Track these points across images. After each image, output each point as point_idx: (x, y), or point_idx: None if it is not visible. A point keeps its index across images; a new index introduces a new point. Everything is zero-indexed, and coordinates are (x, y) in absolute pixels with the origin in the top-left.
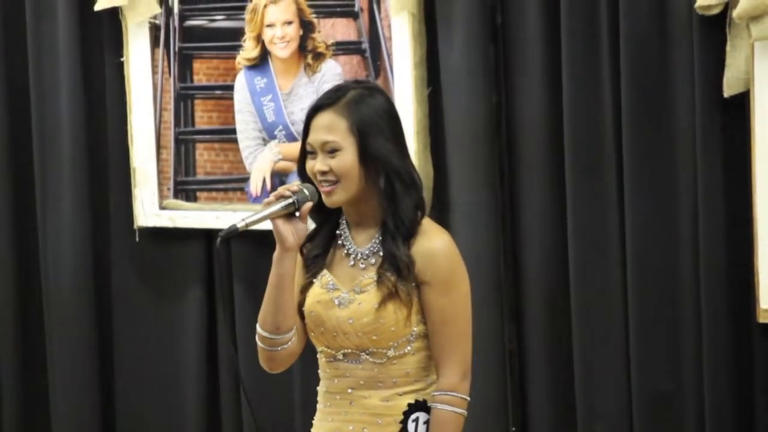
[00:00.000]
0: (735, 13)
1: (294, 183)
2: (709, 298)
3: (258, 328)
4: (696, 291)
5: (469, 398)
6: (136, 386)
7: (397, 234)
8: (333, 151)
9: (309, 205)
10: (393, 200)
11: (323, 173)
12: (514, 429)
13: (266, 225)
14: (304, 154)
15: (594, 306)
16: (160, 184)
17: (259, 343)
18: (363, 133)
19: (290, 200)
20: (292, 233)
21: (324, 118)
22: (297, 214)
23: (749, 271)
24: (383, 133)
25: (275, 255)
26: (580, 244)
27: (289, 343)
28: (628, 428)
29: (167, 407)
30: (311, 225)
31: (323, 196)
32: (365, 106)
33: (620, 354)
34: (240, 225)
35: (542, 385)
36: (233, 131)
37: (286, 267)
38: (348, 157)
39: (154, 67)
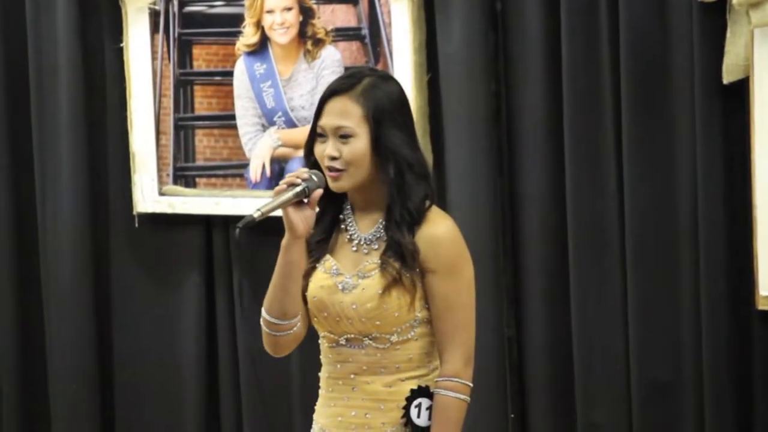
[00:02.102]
0: None
1: (302, 170)
2: (709, 285)
3: (264, 313)
4: (695, 278)
5: (472, 384)
6: (135, 371)
7: (403, 222)
8: (346, 137)
9: (319, 192)
10: (402, 190)
11: (333, 158)
12: (513, 415)
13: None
14: (313, 137)
15: (593, 294)
16: (159, 170)
17: (264, 328)
18: (378, 122)
19: (301, 187)
20: (302, 221)
21: (339, 103)
22: (306, 201)
23: (748, 258)
24: (396, 123)
25: (284, 242)
26: (580, 232)
27: (294, 328)
28: (627, 416)
29: (166, 392)
30: None
31: (329, 181)
32: (381, 94)
33: (619, 342)
34: (256, 215)
35: (541, 373)
36: (233, 117)
37: (294, 254)
38: (360, 145)
39: (153, 53)
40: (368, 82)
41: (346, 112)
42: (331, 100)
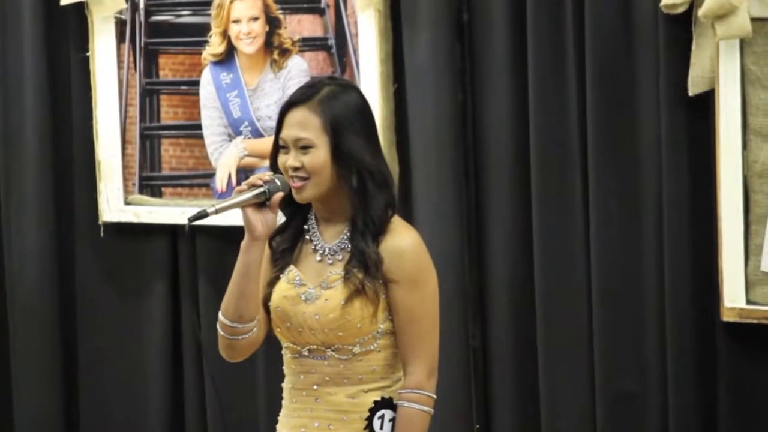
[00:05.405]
0: (700, 12)
1: (266, 173)
2: (674, 297)
3: (220, 316)
4: (660, 290)
5: (435, 396)
6: (101, 382)
7: (367, 231)
8: (306, 148)
9: (280, 195)
10: (364, 199)
11: (295, 169)
12: (478, 426)
13: (231, 221)
14: (277, 148)
15: (558, 305)
16: (125, 180)
17: (220, 331)
18: (336, 131)
19: (262, 189)
20: (262, 223)
21: (297, 115)
22: (267, 203)
23: (713, 270)
24: (356, 131)
25: (243, 243)
26: (545, 243)
27: (251, 333)
28: (591, 428)
29: (131, 402)
30: (280, 216)
31: (293, 192)
32: (339, 103)
33: (584, 353)
34: (210, 210)
35: (506, 383)
36: (199, 127)
37: (253, 256)
38: (320, 155)
39: (119, 62)
40: (326, 92)
41: (305, 124)
42: (290, 112)
